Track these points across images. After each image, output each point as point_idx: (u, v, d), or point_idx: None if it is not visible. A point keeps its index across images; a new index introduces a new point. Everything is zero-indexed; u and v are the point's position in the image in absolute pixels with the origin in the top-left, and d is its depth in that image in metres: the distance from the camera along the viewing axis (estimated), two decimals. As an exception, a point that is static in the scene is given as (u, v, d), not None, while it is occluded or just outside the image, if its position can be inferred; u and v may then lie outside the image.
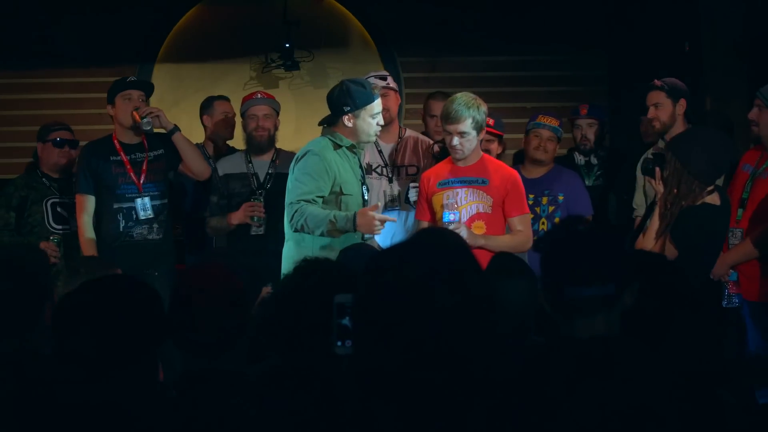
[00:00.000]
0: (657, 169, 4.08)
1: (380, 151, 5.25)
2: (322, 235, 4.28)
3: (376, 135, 4.55)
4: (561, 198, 5.07)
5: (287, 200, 4.43)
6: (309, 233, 4.30)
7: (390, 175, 5.22)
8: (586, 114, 5.63)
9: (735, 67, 5.88)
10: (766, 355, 4.39)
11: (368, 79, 5.22)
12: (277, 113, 5.28)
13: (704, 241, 4.04)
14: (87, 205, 4.91)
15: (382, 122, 4.54)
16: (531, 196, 5.01)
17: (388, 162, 5.24)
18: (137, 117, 4.86)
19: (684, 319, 2.52)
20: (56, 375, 2.19)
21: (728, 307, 4.50)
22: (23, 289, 2.46)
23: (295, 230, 4.33)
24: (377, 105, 4.47)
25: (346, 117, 4.45)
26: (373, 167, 5.23)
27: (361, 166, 4.63)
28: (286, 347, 2.31)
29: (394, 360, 1.83)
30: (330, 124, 4.58)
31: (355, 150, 4.54)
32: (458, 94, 4.50)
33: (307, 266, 2.48)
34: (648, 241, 4.05)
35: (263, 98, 5.26)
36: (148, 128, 4.86)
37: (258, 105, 5.20)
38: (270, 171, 5.18)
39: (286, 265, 4.36)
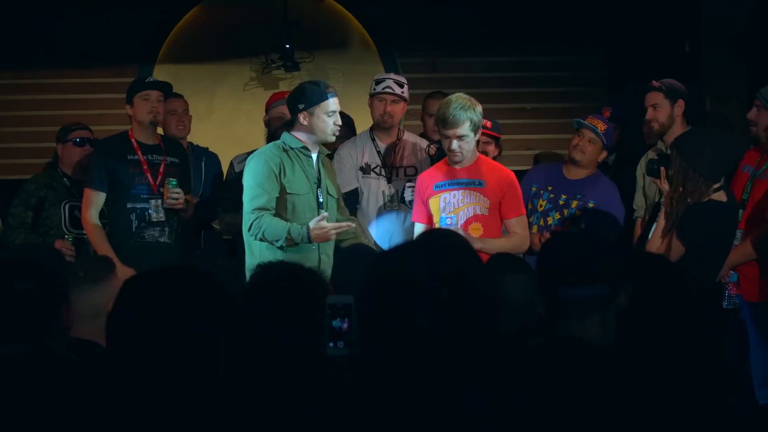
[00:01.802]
0: (662, 168, 4.08)
1: (379, 152, 5.26)
2: (281, 247, 4.34)
3: (334, 134, 4.52)
4: (591, 205, 4.98)
5: (244, 208, 4.47)
6: (269, 243, 4.36)
7: (388, 176, 5.23)
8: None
9: (735, 67, 5.88)
10: (766, 356, 4.39)
11: (385, 80, 5.24)
12: None
13: (712, 237, 4.05)
14: (96, 201, 4.87)
15: (339, 122, 4.51)
16: (563, 197, 4.99)
17: (386, 162, 5.24)
18: (166, 193, 4.88)
19: (684, 320, 2.52)
20: (75, 376, 2.18)
21: (729, 308, 4.49)
22: (41, 291, 2.46)
23: (256, 239, 4.39)
24: (332, 103, 4.46)
25: (302, 115, 4.48)
26: (372, 167, 5.23)
27: (320, 168, 4.59)
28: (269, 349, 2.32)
29: (398, 361, 1.83)
30: (289, 126, 4.61)
31: (307, 152, 4.53)
32: (452, 97, 4.46)
33: (263, 272, 2.50)
34: (655, 240, 4.06)
35: None
36: (167, 207, 4.91)
37: (285, 106, 5.25)
38: None
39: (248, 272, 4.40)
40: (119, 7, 6.88)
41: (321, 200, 4.53)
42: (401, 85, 5.24)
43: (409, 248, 1.97)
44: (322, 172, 4.60)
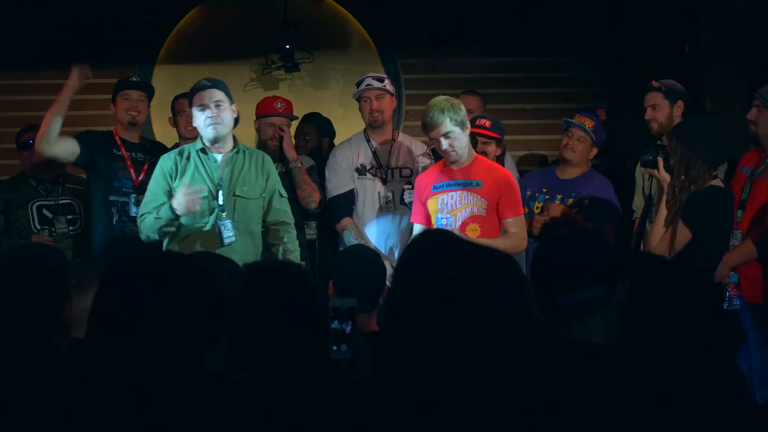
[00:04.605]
0: (660, 158, 4.10)
1: (374, 153, 5.26)
2: (169, 233, 4.41)
3: (206, 127, 4.45)
4: (586, 202, 5.01)
5: None
6: (159, 238, 4.42)
7: (383, 177, 5.23)
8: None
9: (735, 68, 5.88)
10: (766, 357, 4.39)
11: (364, 79, 5.24)
12: (291, 121, 5.37)
13: (717, 222, 4.10)
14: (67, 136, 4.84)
15: (210, 115, 4.43)
16: (559, 197, 5.02)
17: (381, 163, 5.24)
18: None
19: (684, 320, 2.52)
20: (75, 373, 2.18)
21: (729, 309, 4.49)
22: (46, 289, 2.47)
23: (148, 240, 4.45)
24: (199, 97, 4.43)
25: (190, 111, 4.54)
26: (367, 168, 5.23)
27: (229, 168, 4.51)
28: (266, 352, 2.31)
29: (433, 359, 1.80)
30: None
31: (205, 154, 4.50)
32: (431, 101, 4.52)
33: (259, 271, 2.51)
34: (657, 230, 4.07)
35: (283, 114, 5.31)
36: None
37: (278, 117, 5.28)
38: (279, 171, 5.22)
39: None
40: (119, 7, 6.88)
41: (221, 203, 4.46)
42: (381, 80, 5.25)
43: (445, 247, 1.94)
44: (232, 172, 4.51)
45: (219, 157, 4.51)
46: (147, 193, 4.50)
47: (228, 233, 4.43)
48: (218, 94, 4.44)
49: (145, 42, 6.96)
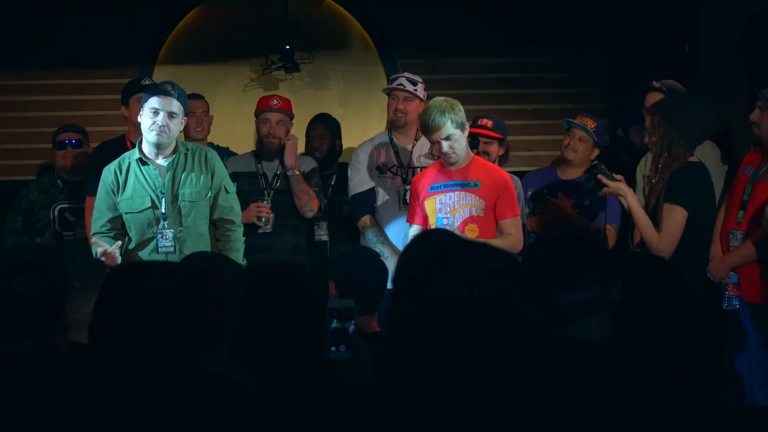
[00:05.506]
0: (600, 176, 4.21)
1: (396, 152, 5.28)
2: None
3: (150, 132, 4.40)
4: (587, 203, 5.03)
5: None
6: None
7: (405, 176, 5.24)
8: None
9: (735, 68, 5.88)
10: (766, 357, 4.39)
11: (398, 78, 5.25)
12: (291, 119, 5.35)
13: (705, 195, 4.14)
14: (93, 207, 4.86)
15: (159, 122, 4.38)
16: (560, 197, 5.03)
17: (402, 162, 5.25)
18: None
19: (683, 320, 2.52)
20: (72, 373, 2.18)
21: (728, 309, 4.50)
22: (48, 289, 2.48)
23: None
24: (158, 99, 4.39)
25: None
26: (388, 167, 5.26)
27: (171, 175, 4.47)
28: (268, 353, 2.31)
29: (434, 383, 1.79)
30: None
31: (143, 164, 4.46)
32: (430, 102, 4.52)
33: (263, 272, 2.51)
34: (648, 229, 4.10)
35: (279, 109, 5.30)
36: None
37: (273, 113, 5.25)
38: (278, 171, 5.25)
39: None
40: (120, 7, 6.87)
41: (164, 211, 4.42)
42: (414, 83, 5.25)
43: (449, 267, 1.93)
44: (174, 177, 4.47)
45: (162, 162, 4.49)
46: (94, 210, 4.47)
47: (165, 242, 4.40)
48: (176, 106, 4.43)
49: (146, 42, 6.95)
